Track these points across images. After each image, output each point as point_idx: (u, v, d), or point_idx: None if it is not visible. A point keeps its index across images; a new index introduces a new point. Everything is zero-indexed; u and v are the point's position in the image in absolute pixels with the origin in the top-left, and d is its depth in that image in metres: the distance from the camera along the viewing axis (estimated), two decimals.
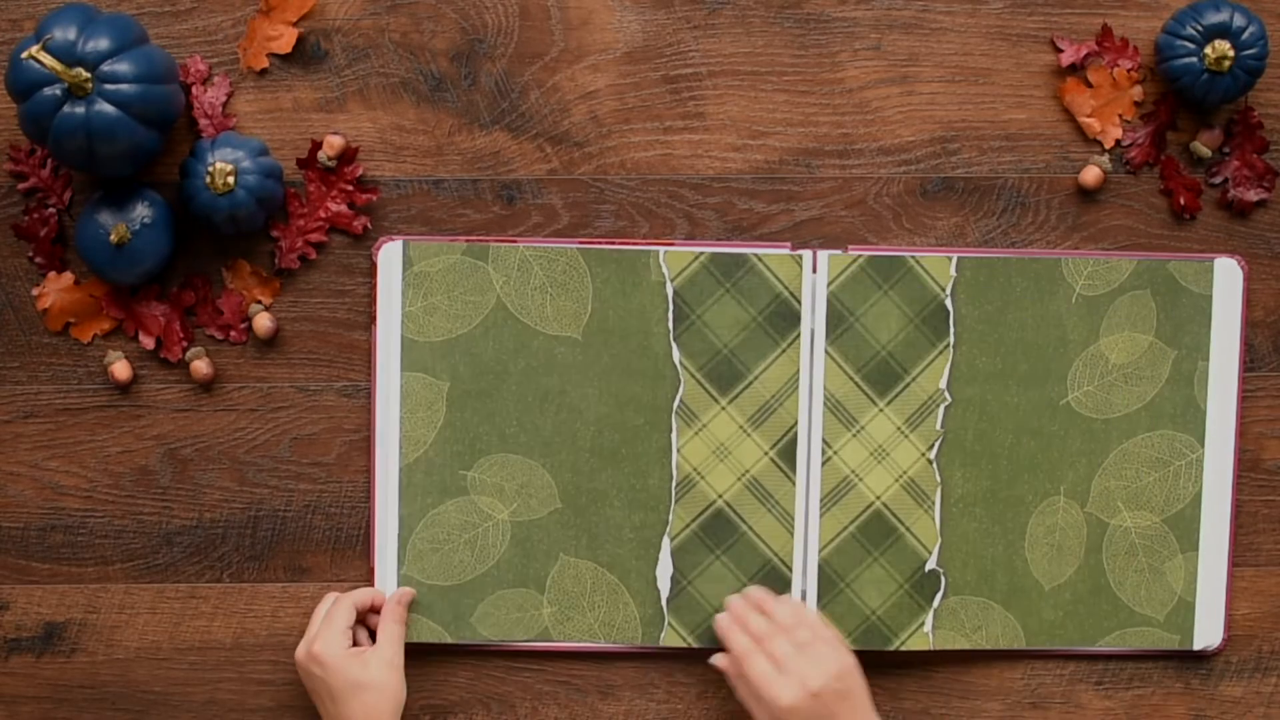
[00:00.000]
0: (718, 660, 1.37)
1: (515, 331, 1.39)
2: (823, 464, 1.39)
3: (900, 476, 1.40)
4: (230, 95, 1.39)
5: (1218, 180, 1.42)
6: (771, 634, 1.34)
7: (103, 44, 1.28)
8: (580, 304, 1.39)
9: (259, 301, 1.40)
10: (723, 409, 1.39)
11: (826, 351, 1.38)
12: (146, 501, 1.41)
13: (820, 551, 1.40)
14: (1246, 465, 1.43)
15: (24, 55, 1.26)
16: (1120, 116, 1.41)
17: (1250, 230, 1.42)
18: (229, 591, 1.42)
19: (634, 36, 1.40)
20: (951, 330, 1.38)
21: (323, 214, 1.39)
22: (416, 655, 1.40)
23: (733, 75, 1.40)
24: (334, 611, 1.35)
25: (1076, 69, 1.41)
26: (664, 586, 1.40)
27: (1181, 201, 1.41)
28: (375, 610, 1.38)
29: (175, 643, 1.42)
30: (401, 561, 1.40)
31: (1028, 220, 1.41)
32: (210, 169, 1.34)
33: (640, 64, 1.40)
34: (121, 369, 1.39)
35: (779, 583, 1.39)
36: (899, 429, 1.39)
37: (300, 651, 1.34)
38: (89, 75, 1.27)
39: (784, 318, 1.38)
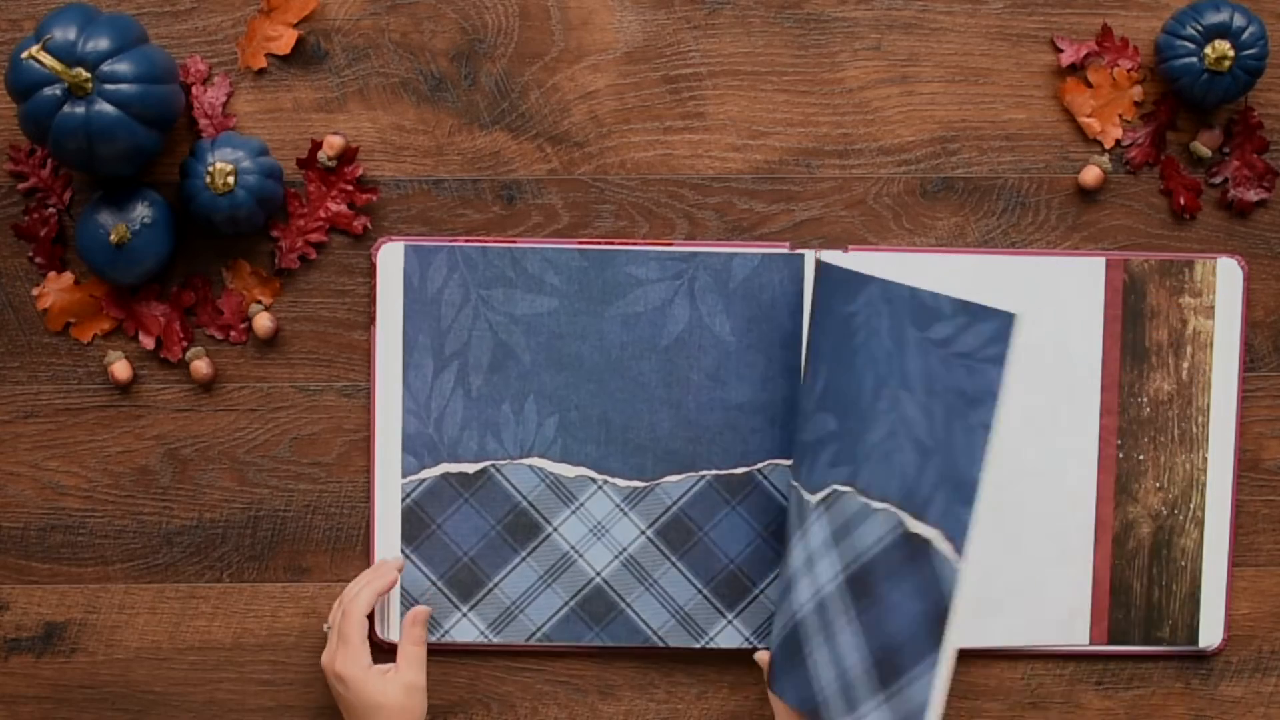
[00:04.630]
0: (761, 657, 1.36)
1: None
2: None
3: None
4: (230, 95, 1.39)
5: (1218, 180, 1.42)
6: None
7: (103, 44, 1.28)
8: None
9: (259, 301, 1.40)
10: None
11: None
12: (146, 501, 1.41)
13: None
14: (1246, 465, 1.43)
15: (24, 55, 1.26)
16: (1120, 116, 1.41)
17: (1250, 230, 1.42)
18: (229, 591, 1.42)
19: (634, 36, 1.40)
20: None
21: (323, 214, 1.39)
22: None
23: (733, 75, 1.40)
24: (347, 630, 1.33)
25: (1076, 69, 1.41)
26: None
27: (1181, 201, 1.41)
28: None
29: (175, 643, 1.42)
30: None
31: (1028, 220, 1.41)
32: (210, 169, 1.34)
33: (640, 64, 1.40)
34: (121, 369, 1.39)
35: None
36: None
37: (325, 662, 1.34)
38: (89, 75, 1.27)
39: None
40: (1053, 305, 1.39)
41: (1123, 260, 1.39)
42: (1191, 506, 1.41)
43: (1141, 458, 1.41)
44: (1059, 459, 1.40)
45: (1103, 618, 1.42)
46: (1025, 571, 1.41)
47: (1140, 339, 1.40)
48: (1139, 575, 1.42)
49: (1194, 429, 1.41)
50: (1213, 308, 1.40)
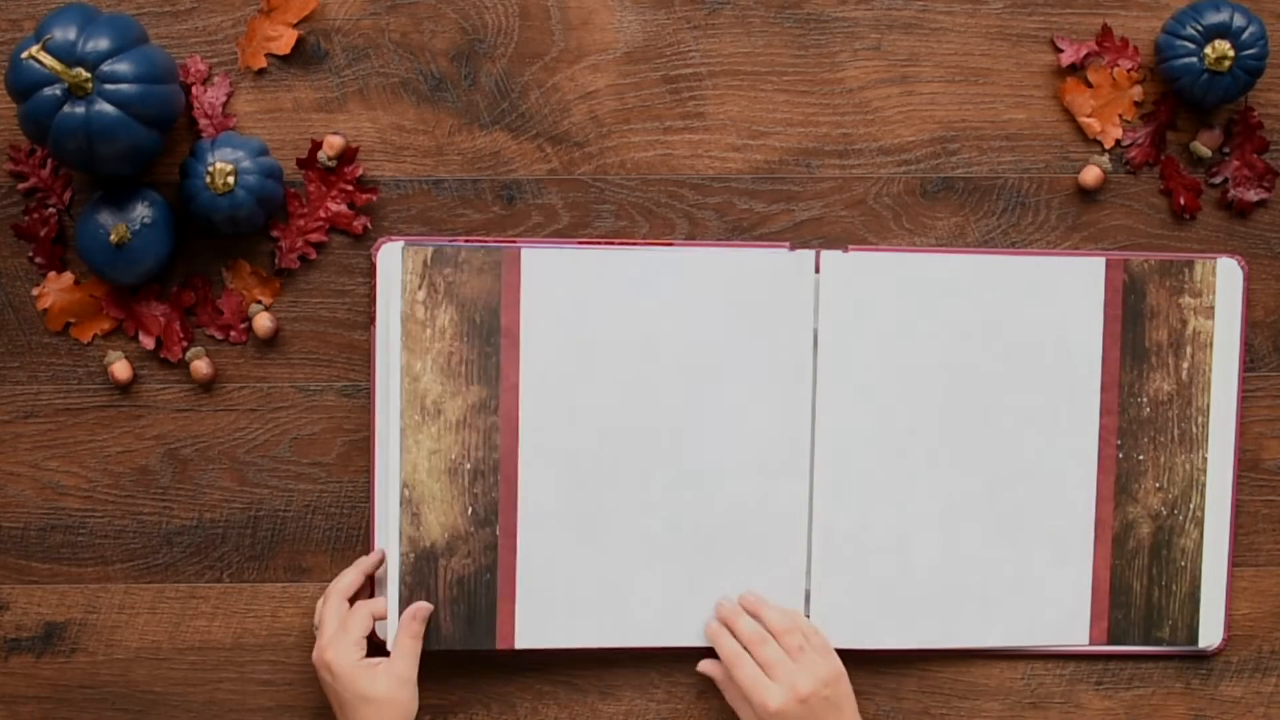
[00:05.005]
0: (704, 666, 1.38)
1: None
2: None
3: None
4: (230, 95, 1.39)
5: (1218, 180, 1.42)
6: (762, 639, 1.34)
7: (103, 44, 1.28)
8: None
9: (259, 301, 1.40)
10: None
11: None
12: (146, 501, 1.41)
13: None
14: (1246, 465, 1.43)
15: (24, 55, 1.26)
16: (1120, 116, 1.41)
17: (1250, 230, 1.42)
18: (229, 591, 1.42)
19: (634, 36, 1.40)
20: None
21: (323, 214, 1.39)
22: None
23: (733, 75, 1.40)
24: (350, 620, 1.34)
25: (1076, 69, 1.41)
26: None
27: (1181, 201, 1.41)
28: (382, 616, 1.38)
29: (175, 643, 1.42)
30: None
31: (1028, 220, 1.41)
32: (210, 169, 1.34)
33: (640, 64, 1.40)
34: (121, 369, 1.39)
35: None
36: None
37: (315, 654, 1.34)
38: (89, 75, 1.27)
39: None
40: (1053, 305, 1.39)
41: (1123, 260, 1.39)
42: (1191, 506, 1.41)
43: (1141, 458, 1.41)
44: (1059, 459, 1.40)
45: (1102, 617, 1.42)
46: (1025, 571, 1.41)
47: (1140, 339, 1.40)
48: (1139, 575, 1.42)
49: (1194, 429, 1.41)
50: (1212, 308, 1.40)
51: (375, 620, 1.36)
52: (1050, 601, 1.41)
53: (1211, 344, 1.40)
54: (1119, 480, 1.41)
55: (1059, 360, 1.40)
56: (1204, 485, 1.41)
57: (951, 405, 1.40)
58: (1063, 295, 1.39)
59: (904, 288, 1.39)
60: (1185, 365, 1.40)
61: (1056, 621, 1.42)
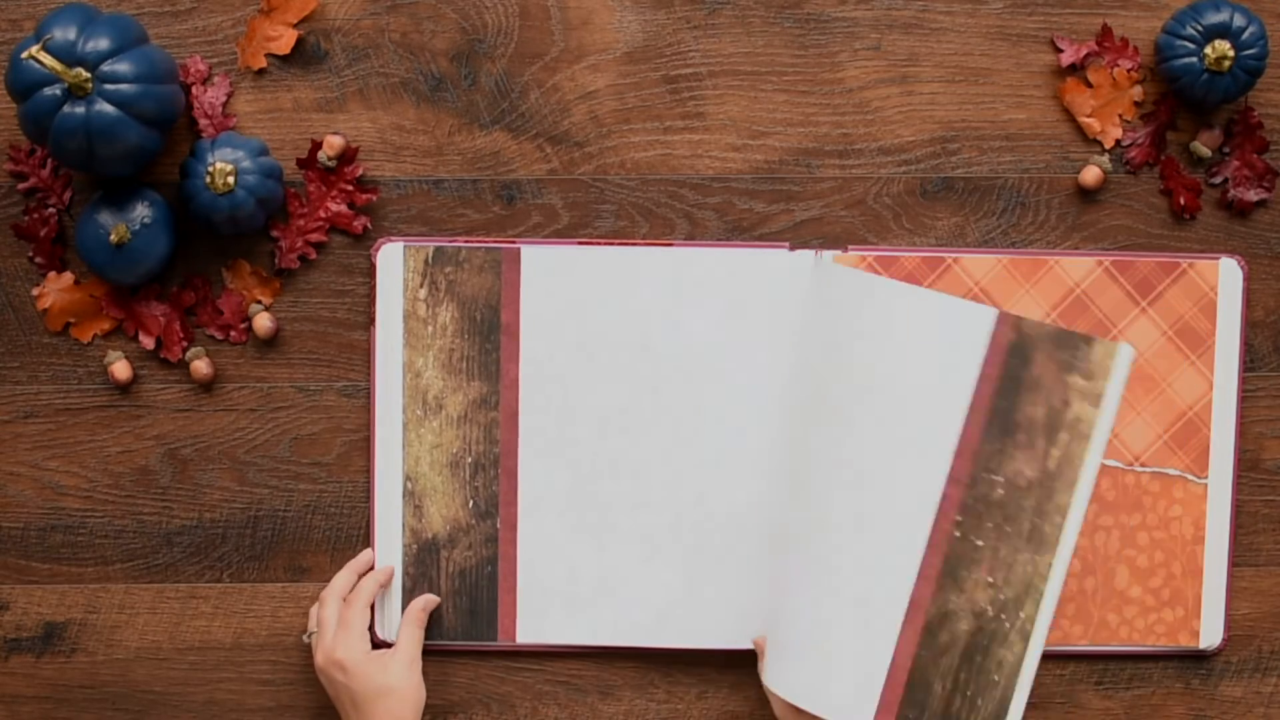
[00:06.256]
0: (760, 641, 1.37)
1: None
2: None
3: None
4: (230, 95, 1.39)
5: (1218, 180, 1.42)
6: None
7: (103, 44, 1.28)
8: None
9: (259, 301, 1.40)
10: None
11: None
12: (146, 501, 1.41)
13: None
14: (1246, 465, 1.43)
15: (24, 55, 1.26)
16: (1120, 116, 1.41)
17: (1250, 230, 1.42)
18: (229, 591, 1.42)
19: (634, 36, 1.40)
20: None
21: (323, 214, 1.39)
22: None
23: (733, 75, 1.40)
24: (351, 616, 1.35)
25: (1076, 69, 1.41)
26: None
27: (1181, 201, 1.41)
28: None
29: (175, 643, 1.42)
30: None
31: (1028, 220, 1.41)
32: (210, 169, 1.34)
33: (640, 64, 1.40)
34: (121, 369, 1.39)
35: None
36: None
37: (320, 658, 1.34)
38: (89, 75, 1.27)
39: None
40: (932, 347, 1.26)
41: (1017, 318, 1.24)
42: (1022, 616, 1.24)
43: (980, 543, 1.24)
44: (888, 520, 1.27)
45: (890, 710, 1.27)
46: (821, 629, 1.30)
47: (1011, 409, 1.23)
48: (943, 676, 1.26)
49: (1047, 529, 1.23)
50: (1101, 395, 1.21)
51: (380, 588, 1.38)
52: (837, 669, 1.29)
53: (1090, 436, 1.22)
54: (947, 561, 1.25)
55: (922, 408, 1.26)
56: (1042, 595, 1.23)
57: (807, 421, 1.33)
58: (944, 338, 1.26)
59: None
60: (1056, 453, 1.22)
61: (838, 695, 1.28)
